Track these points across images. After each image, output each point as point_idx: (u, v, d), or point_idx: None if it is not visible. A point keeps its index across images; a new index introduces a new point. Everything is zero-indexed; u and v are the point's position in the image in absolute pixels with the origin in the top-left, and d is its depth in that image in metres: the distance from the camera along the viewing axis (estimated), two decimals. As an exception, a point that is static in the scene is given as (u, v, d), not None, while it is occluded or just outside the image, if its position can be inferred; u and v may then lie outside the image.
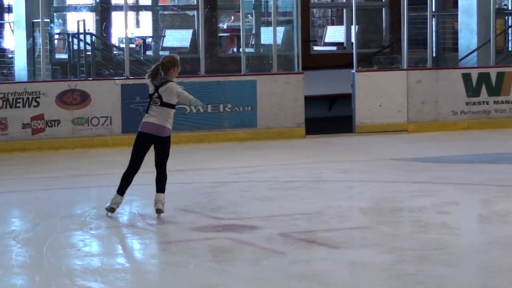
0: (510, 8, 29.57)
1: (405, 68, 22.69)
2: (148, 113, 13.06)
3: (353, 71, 22.11)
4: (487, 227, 13.17)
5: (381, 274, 10.60)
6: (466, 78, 22.56)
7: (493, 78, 22.72)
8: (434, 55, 24.56)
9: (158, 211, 12.87)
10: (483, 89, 22.55)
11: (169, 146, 13.02)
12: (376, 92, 21.95)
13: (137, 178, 16.25)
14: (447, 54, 26.38)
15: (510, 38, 28.94)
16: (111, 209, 13.18)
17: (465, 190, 15.48)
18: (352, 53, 22.49)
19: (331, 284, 10.18)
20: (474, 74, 22.67)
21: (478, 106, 22.54)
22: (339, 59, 25.21)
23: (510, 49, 28.43)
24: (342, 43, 28.33)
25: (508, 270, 10.51)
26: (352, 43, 23.15)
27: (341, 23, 29.12)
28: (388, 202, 14.64)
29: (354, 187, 15.77)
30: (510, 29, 28.97)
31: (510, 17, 29.29)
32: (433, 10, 24.37)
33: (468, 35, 24.68)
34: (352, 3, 23.43)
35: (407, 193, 15.20)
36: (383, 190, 15.47)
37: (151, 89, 13.04)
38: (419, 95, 22.16)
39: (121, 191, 13.09)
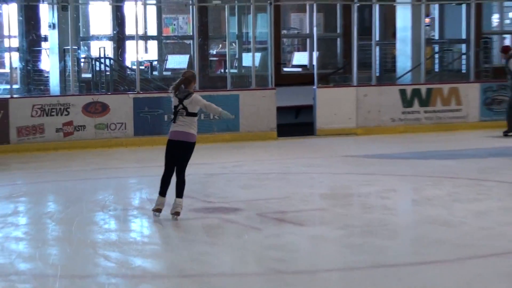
0: (436, 38, 29.64)
1: (354, 85, 22.72)
2: (176, 123, 11.82)
3: (315, 87, 22.12)
4: (418, 209, 13.21)
5: (335, 245, 10.65)
6: (402, 92, 22.60)
7: (424, 92, 22.77)
8: (377, 74, 24.58)
9: (177, 213, 11.89)
10: (416, 101, 22.59)
11: (192, 152, 11.97)
12: (332, 103, 21.97)
13: (145, 171, 16.29)
14: (387, 74, 26.40)
15: (436, 61, 29.01)
16: (158, 210, 12.02)
17: (401, 180, 15.51)
18: (314, 73, 22.51)
19: (296, 252, 10.23)
20: (409, 90, 22.71)
21: (412, 115, 22.58)
22: (303, 78, 25.19)
23: (436, 70, 28.48)
24: (306, 65, 28.30)
25: (435, 242, 10.56)
26: (314, 65, 23.17)
27: (305, 50, 29.10)
28: (341, 189, 14.69)
29: (315, 178, 15.78)
30: (436, 54, 29.05)
31: (436, 45, 29.37)
32: (377, 39, 24.40)
33: (404, 59, 24.73)
34: (314, 35, 23.47)
35: (356, 182, 15.23)
36: (337, 180, 15.52)
37: (175, 101, 11.84)
38: (365, 105, 22.19)
39: (163, 192, 12.02)
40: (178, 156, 11.86)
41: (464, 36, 28.06)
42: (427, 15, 27.93)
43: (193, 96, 11.75)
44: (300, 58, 29.16)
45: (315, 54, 23.55)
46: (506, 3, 29.85)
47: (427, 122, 22.62)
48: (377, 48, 24.90)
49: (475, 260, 9.78)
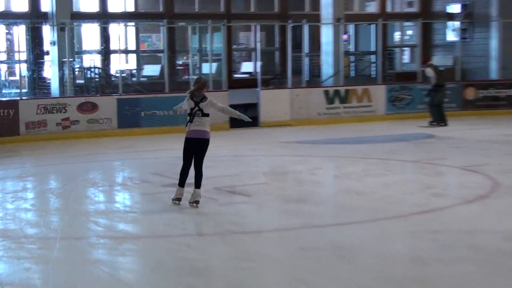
0: (352, 50, 29.78)
1: (289, 87, 22.75)
2: (193, 123, 10.82)
3: (258, 89, 22.11)
4: (338, 182, 13.26)
5: (275, 211, 10.64)
6: (326, 93, 22.65)
7: (343, 92, 22.83)
8: (307, 79, 24.65)
9: (197, 202, 10.73)
10: (336, 99, 22.65)
11: (208, 147, 10.94)
12: (272, 102, 21.96)
13: (127, 156, 16.18)
14: (314, 79, 26.47)
15: (352, 68, 29.16)
16: (178, 199, 10.92)
17: (326, 160, 15.56)
18: (257, 78, 22.51)
19: (245, 217, 10.20)
20: (331, 91, 22.76)
21: (333, 110, 22.63)
22: (250, 82, 25.18)
23: (352, 75, 28.63)
24: (251, 72, 28.31)
25: (351, 208, 10.59)
26: (258, 72, 23.16)
27: (250, 60, 29.11)
28: (279, 168, 14.69)
29: (259, 159, 15.77)
30: (352, 63, 29.20)
31: (352, 56, 29.52)
32: (306, 52, 24.45)
33: (327, 67, 24.79)
34: (257, 48, 23.47)
35: (291, 162, 15.24)
36: (276, 161, 15.51)
37: (191, 104, 10.86)
38: (297, 103, 22.20)
39: (182, 183, 10.92)
40: (196, 152, 10.84)
41: (373, 49, 28.25)
42: (345, 33, 28.05)
43: (208, 100, 10.90)
44: (247, 66, 29.20)
45: (258, 64, 23.54)
46: (405, 23, 30.07)
47: (345, 115, 22.69)
48: (307, 59, 24.98)
49: (383, 221, 9.82)
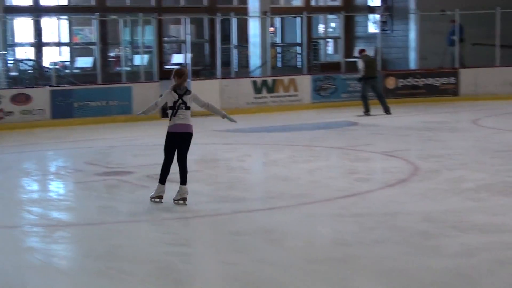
0: (279, 42, 29.81)
1: (219, 78, 22.67)
2: (177, 117, 10.05)
3: (189, 80, 21.95)
4: (266, 168, 13.26)
5: (206, 197, 10.56)
6: (254, 83, 22.61)
7: (270, 83, 22.83)
8: (235, 70, 24.57)
9: (184, 199, 9.93)
10: (264, 89, 22.63)
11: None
12: (202, 92, 21.55)
13: (60, 146, 15.92)
14: (243, 70, 26.37)
15: (279, 59, 29.22)
16: (159, 197, 10.09)
17: (254, 147, 15.54)
18: (188, 69, 22.38)
19: (177, 204, 10.11)
20: (259, 81, 22.73)
21: (261, 99, 22.59)
22: (180, 73, 24.93)
23: (279, 66, 28.68)
24: (182, 64, 28.06)
25: (279, 193, 10.59)
26: (188, 63, 23.03)
27: (181, 52, 28.90)
28: (210, 155, 14.62)
29: (191, 147, 15.62)
30: (279, 54, 29.25)
31: (279, 48, 29.56)
32: (235, 44, 24.36)
33: (255, 58, 24.75)
34: (187, 41, 23.32)
35: (221, 150, 15.20)
36: (207, 149, 15.39)
37: (174, 97, 10.04)
38: (227, 93, 22.10)
39: (163, 180, 10.10)
40: (181, 147, 10.10)
41: (299, 41, 28.31)
42: (272, 25, 28.05)
43: (192, 93, 10.19)
44: (177, 58, 28.95)
45: (188, 55, 23.41)
46: (329, 16, 30.23)
47: (272, 104, 22.69)
48: (235, 50, 24.90)
49: (308, 205, 9.85)
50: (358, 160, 13.43)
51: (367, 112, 20.38)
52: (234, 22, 24.03)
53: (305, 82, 23.27)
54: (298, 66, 27.75)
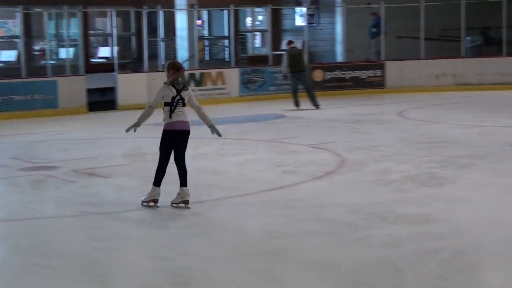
0: (206, 35, 29.76)
1: (146, 71, 22.51)
2: (175, 113, 9.32)
3: (115, 73, 21.79)
4: (195, 162, 13.10)
5: (134, 191, 10.48)
6: (182, 76, 22.45)
7: (197, 76, 22.78)
8: (163, 63, 24.35)
9: (186, 202, 9.26)
10: (192, 82, 22.54)
11: None
12: (129, 85, 21.66)
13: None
14: (171, 63, 26.22)
15: (207, 52, 29.19)
16: (155, 201, 9.36)
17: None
18: (114, 63, 22.20)
19: (104, 198, 10.01)
20: (187, 74, 22.64)
21: (189, 92, 22.49)
22: (107, 67, 24.65)
23: (207, 59, 28.64)
24: (108, 57, 27.82)
25: (207, 186, 10.59)
26: (114, 57, 22.82)
27: (107, 45, 28.62)
28: (138, 150, 14.43)
29: (117, 142, 15.50)
30: (206, 47, 29.20)
31: (207, 41, 29.51)
32: (162, 37, 24.20)
33: (182, 51, 24.66)
34: (114, 34, 23.12)
35: (149, 144, 14.92)
36: (134, 143, 15.15)
37: (172, 92, 9.29)
38: (155, 87, 21.42)
39: (159, 183, 9.37)
40: (180, 145, 9.40)
41: (226, 34, 28.31)
42: (199, 18, 27.97)
43: (189, 90, 9.50)
44: (104, 51, 28.69)
45: (115, 49, 23.21)
46: (256, 9, 30.29)
47: (200, 98, 22.51)
48: (162, 44, 24.76)
49: (237, 198, 9.88)
50: (286, 152, 13.49)
51: (297, 106, 20.34)
52: (161, 15, 23.90)
53: (233, 75, 23.28)
54: (226, 59, 27.75)
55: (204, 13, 29.69)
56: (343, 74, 24.58)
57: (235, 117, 19.19)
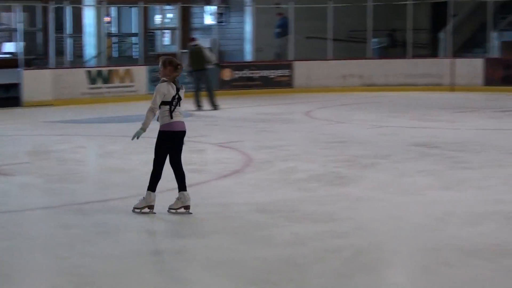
0: (115, 32, 29.47)
1: (52, 67, 22.16)
2: (174, 114, 8.64)
3: (20, 69, 21.39)
4: (101, 160, 13.12)
5: (38, 190, 10.33)
6: (89, 73, 22.21)
7: (105, 73, 22.51)
8: (70, 59, 24.10)
9: (188, 207, 8.70)
10: (99, 79, 22.29)
11: None
12: (34, 82, 21.23)
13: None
14: (78, 59, 25.79)
15: (115, 49, 28.91)
16: (150, 207, 8.74)
17: (88, 139, 15.28)
18: (19, 58, 21.82)
19: (7, 197, 9.83)
20: (94, 71, 22.39)
21: (96, 90, 22.18)
22: (12, 62, 24.08)
23: (115, 56, 28.38)
24: (13, 53, 27.26)
25: (113, 184, 10.54)
26: (19, 52, 22.42)
27: (12, 41, 28.05)
28: (42, 147, 14.15)
29: (21, 139, 15.18)
30: (115, 44, 28.93)
31: (115, 38, 29.25)
32: (69, 33, 23.91)
33: (90, 48, 24.40)
34: (19, 29, 22.69)
35: (53, 142, 14.78)
36: (39, 140, 14.93)
37: (172, 91, 8.62)
38: (61, 83, 21.53)
39: (154, 188, 8.73)
40: (178, 147, 8.79)
41: (135, 31, 28.10)
42: (108, 15, 27.69)
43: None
44: (9, 47, 28.13)
45: (21, 44, 22.79)
46: (166, 7, 30.18)
47: (108, 95, 22.39)
48: (69, 40, 24.44)
49: (141, 196, 9.78)
50: (193, 151, 13.46)
51: (198, 106, 19.71)
52: (68, 11, 23.58)
53: (141, 73, 23.12)
54: (134, 57, 27.54)
55: (113, 10, 29.41)
56: (252, 73, 24.71)
57: (143, 115, 18.91)
